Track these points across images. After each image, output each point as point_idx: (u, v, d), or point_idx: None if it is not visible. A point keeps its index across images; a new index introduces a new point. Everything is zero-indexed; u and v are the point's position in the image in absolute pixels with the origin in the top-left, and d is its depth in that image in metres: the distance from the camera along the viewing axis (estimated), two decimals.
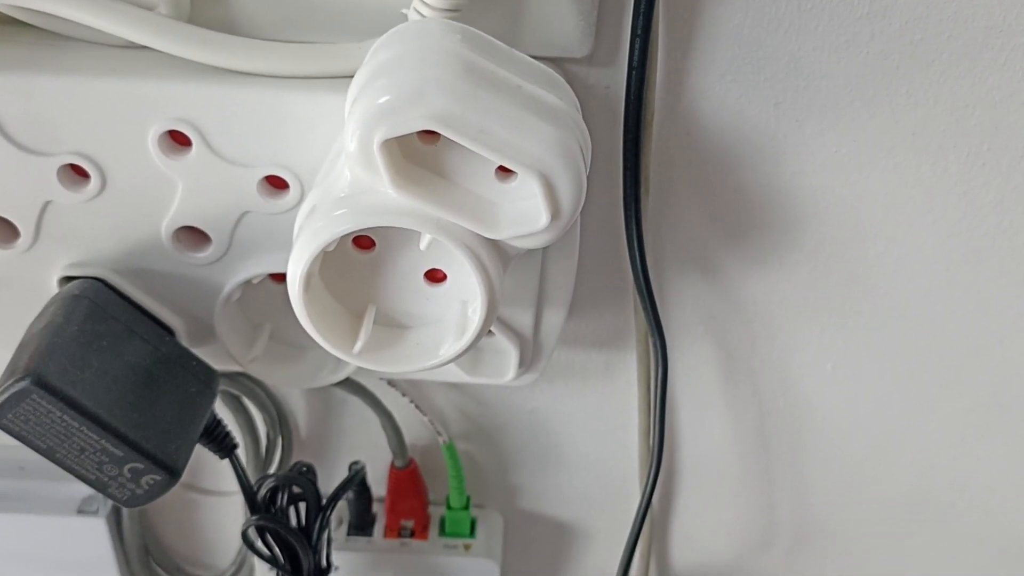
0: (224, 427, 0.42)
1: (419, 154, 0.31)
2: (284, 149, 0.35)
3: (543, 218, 0.30)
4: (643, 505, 0.48)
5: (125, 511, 0.51)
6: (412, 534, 0.52)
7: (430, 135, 0.30)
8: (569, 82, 0.36)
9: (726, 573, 0.57)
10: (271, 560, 0.45)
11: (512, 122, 0.28)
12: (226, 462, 0.43)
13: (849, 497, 0.54)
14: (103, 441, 0.35)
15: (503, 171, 0.31)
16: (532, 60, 0.32)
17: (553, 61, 0.37)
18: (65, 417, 0.34)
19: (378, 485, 0.52)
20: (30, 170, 0.35)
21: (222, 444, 0.42)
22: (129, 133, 0.34)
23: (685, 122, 0.40)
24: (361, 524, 0.52)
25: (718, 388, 0.49)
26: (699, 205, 0.42)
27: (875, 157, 0.40)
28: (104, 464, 0.35)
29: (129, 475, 0.36)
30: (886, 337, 0.47)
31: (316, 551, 0.45)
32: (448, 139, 0.28)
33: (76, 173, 0.36)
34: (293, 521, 0.44)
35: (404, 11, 0.34)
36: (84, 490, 0.50)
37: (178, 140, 0.35)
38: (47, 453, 0.35)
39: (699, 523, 0.55)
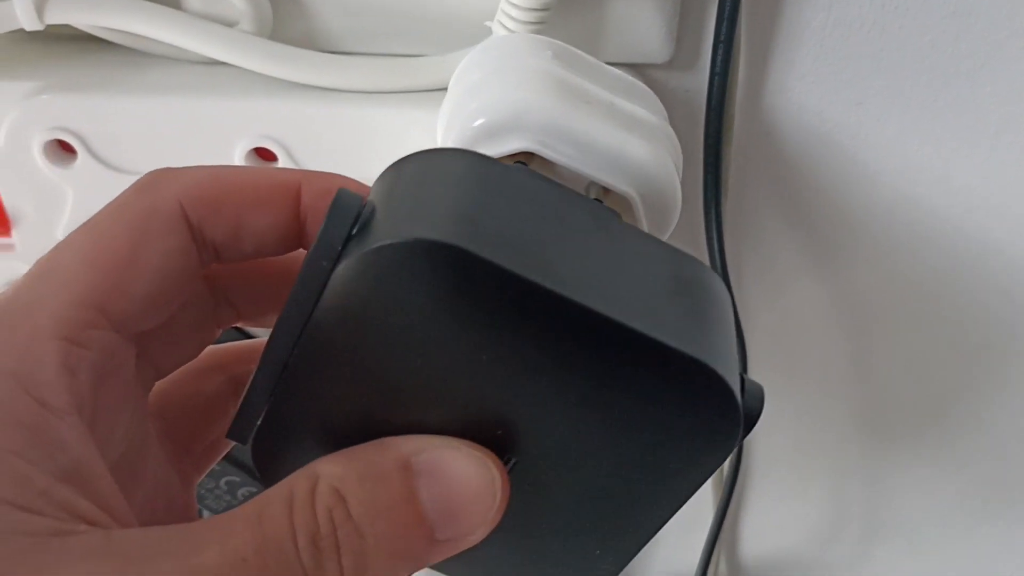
0: None
1: None
2: (369, 163, 0.35)
3: None
4: (720, 507, 0.48)
5: None
6: None
7: (524, 152, 0.30)
8: (649, 87, 0.36)
9: (796, 565, 0.57)
10: None
11: (607, 140, 0.28)
12: None
13: (923, 488, 0.53)
14: None
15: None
16: (620, 72, 0.32)
17: (633, 67, 0.37)
18: None
19: None
20: (116, 188, 0.35)
21: None
22: (214, 150, 0.34)
23: (765, 124, 0.39)
24: None
25: (793, 384, 0.48)
26: (778, 207, 0.41)
27: (958, 156, 0.40)
28: None
29: None
30: (962, 332, 0.46)
31: None
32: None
33: None
34: None
35: (488, 23, 0.34)
36: None
37: (263, 156, 0.35)
38: None
39: (769, 517, 0.55)
